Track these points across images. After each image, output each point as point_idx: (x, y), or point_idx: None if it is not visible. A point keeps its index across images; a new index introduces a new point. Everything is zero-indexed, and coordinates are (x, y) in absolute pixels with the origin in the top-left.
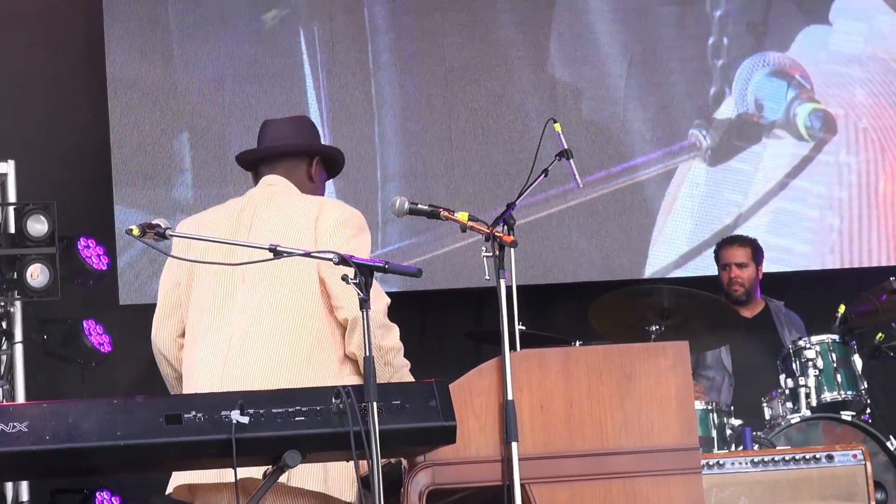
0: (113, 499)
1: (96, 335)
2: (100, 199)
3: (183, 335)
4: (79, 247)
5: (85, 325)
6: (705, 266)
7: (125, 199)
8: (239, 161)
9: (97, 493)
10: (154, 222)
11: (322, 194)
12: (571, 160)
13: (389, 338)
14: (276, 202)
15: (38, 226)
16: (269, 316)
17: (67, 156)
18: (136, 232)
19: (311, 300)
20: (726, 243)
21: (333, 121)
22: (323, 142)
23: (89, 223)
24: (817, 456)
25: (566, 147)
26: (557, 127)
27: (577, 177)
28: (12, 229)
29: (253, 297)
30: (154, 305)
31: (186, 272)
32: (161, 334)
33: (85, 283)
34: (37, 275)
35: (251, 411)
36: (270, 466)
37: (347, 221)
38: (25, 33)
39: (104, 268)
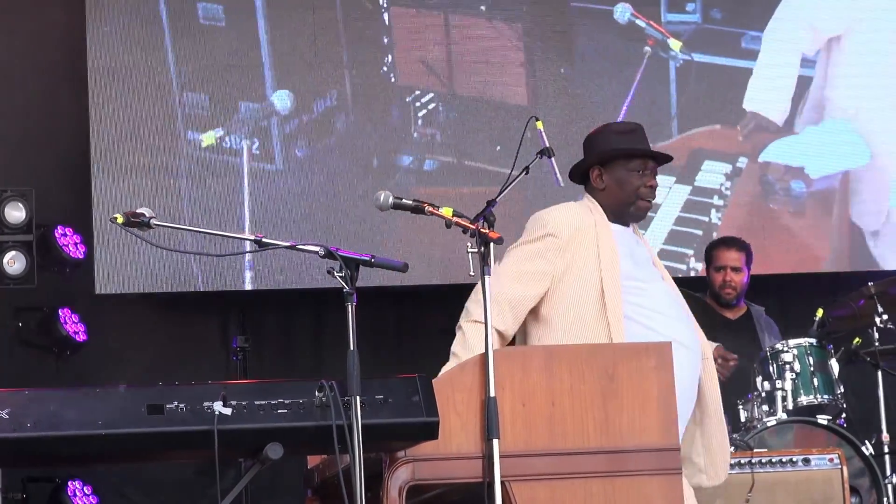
0: (85, 488)
1: (71, 324)
2: (78, 188)
3: None
4: (56, 235)
5: (60, 313)
6: (686, 266)
7: (103, 188)
8: None
9: (69, 482)
10: (139, 211)
11: (612, 195)
12: (552, 158)
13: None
14: None
15: (15, 213)
16: None
17: (46, 143)
18: (120, 220)
19: None
20: (723, 244)
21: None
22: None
23: (67, 211)
24: (794, 459)
25: (548, 145)
26: (539, 125)
27: (559, 175)
28: None
29: None
30: (129, 295)
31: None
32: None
33: (61, 271)
34: (13, 262)
35: (234, 403)
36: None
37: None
38: (5, 20)
39: (81, 256)
